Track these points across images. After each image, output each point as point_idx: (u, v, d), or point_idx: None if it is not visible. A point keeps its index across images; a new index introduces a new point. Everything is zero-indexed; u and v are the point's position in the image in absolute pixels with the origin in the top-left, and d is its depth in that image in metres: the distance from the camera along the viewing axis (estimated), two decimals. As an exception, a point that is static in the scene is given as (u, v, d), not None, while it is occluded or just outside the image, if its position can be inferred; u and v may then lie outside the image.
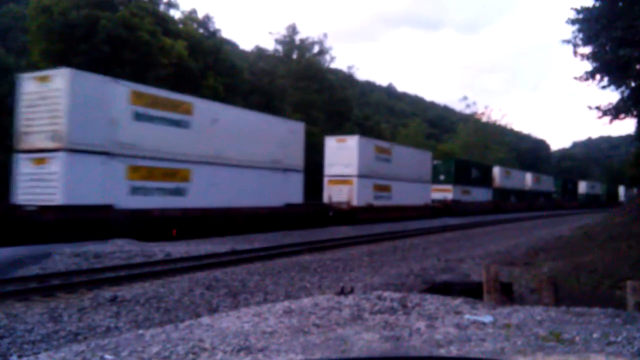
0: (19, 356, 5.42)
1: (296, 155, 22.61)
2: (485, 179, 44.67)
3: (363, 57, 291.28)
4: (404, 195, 30.63)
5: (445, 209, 36.68)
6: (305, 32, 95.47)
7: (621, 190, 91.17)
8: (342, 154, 26.62)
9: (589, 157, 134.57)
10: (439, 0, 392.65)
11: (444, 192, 38.35)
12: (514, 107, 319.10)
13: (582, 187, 77.28)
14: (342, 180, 26.38)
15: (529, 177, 57.67)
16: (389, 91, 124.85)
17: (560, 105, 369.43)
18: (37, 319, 6.61)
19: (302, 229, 21.03)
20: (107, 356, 4.03)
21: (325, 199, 26.31)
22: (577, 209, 63.63)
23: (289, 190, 22.03)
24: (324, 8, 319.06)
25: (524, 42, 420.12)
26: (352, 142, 26.82)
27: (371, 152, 27.79)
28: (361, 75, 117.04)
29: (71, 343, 5.71)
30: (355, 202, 26.03)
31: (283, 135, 21.83)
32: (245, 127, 19.62)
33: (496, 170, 48.43)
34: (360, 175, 26.53)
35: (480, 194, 42.84)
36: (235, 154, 18.96)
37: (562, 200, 66.24)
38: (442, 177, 38.78)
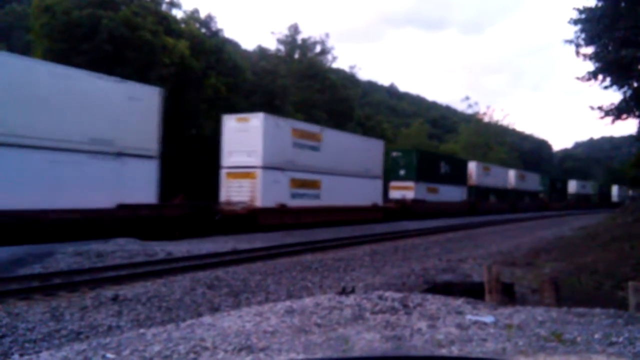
0: (21, 355, 5.43)
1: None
2: (458, 176, 38.98)
3: (365, 57, 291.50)
4: (341, 193, 24.40)
5: (402, 211, 30.43)
6: (308, 32, 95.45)
7: (614, 190, 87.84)
8: (244, 138, 20.21)
9: (591, 157, 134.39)
10: (442, 0, 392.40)
11: (405, 190, 32.38)
12: (516, 107, 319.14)
13: (572, 186, 72.73)
14: (243, 173, 20.09)
15: (512, 175, 52.34)
16: (391, 91, 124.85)
17: (562, 105, 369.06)
18: (39, 318, 6.63)
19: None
20: (108, 355, 4.04)
21: (223, 198, 20.35)
22: (566, 209, 59.48)
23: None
24: (327, 8, 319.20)
25: (527, 42, 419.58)
26: (256, 122, 20.17)
27: (286, 137, 21.33)
28: (363, 75, 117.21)
29: (73, 342, 5.72)
30: (259, 202, 19.75)
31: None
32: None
33: (472, 166, 42.95)
34: (268, 167, 20.08)
35: (451, 193, 37.24)
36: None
37: (549, 200, 61.73)
38: (402, 172, 32.76)
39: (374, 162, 27.92)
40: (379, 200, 28.23)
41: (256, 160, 19.91)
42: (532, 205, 55.22)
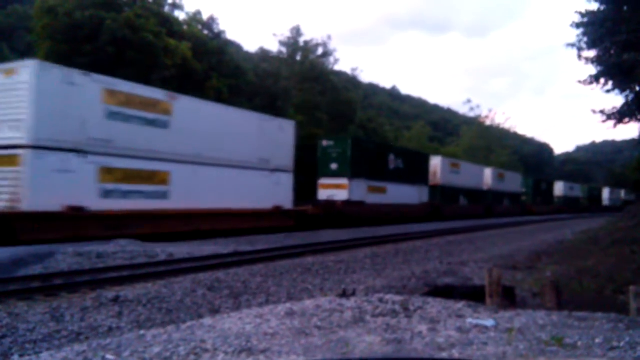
0: (21, 355, 5.43)
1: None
2: (416, 173, 32.30)
3: (368, 59, 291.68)
4: (211, 191, 17.68)
5: (328, 216, 24.14)
6: (310, 34, 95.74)
7: (605, 193, 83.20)
8: (5, 100, 13.02)
9: (593, 161, 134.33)
10: (448, 3, 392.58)
11: (336, 189, 25.48)
12: (518, 110, 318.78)
13: (559, 188, 66.03)
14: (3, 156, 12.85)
15: (489, 174, 45.75)
16: (393, 94, 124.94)
17: (564, 109, 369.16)
18: (39, 319, 6.63)
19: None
20: (108, 356, 4.04)
21: None
22: (552, 214, 54.26)
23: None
24: (331, 10, 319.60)
25: (530, 46, 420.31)
26: (25, 76, 12.86)
27: (91, 101, 14.03)
28: (365, 77, 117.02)
29: (73, 343, 5.72)
30: (24, 203, 12.50)
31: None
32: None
33: (437, 162, 36.30)
34: (46, 146, 12.95)
35: (405, 194, 30.42)
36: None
37: (533, 203, 55.78)
38: (333, 167, 25.94)
39: (277, 150, 20.77)
40: (287, 202, 21.21)
41: (22, 135, 12.67)
42: (513, 209, 49.46)
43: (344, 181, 25.78)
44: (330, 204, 25.05)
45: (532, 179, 58.81)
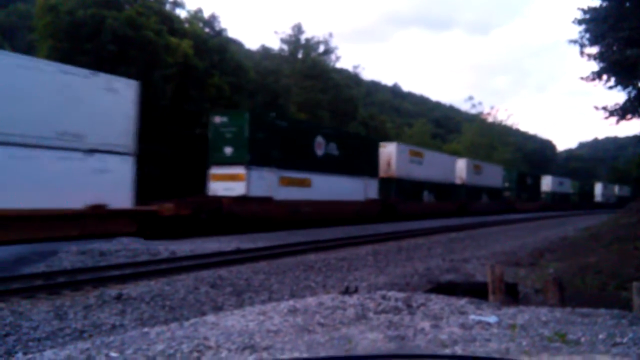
0: (25, 353, 5.44)
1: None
2: (361, 162, 26.35)
3: (370, 57, 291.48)
4: None
5: (209, 218, 17.96)
6: (311, 32, 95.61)
7: (598, 188, 77.92)
8: None
9: (596, 157, 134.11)
10: (450, 0, 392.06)
11: (232, 181, 19.39)
12: (521, 107, 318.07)
13: (547, 183, 60.51)
14: None
15: (462, 166, 39.77)
16: (395, 91, 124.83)
17: (567, 105, 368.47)
18: (43, 317, 6.64)
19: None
20: (112, 354, 4.04)
21: None
22: (537, 211, 48.82)
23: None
24: (333, 8, 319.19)
25: (533, 42, 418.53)
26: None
27: None
28: (367, 74, 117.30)
29: (76, 340, 5.74)
30: None
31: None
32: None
33: (390, 150, 30.00)
34: None
35: (344, 188, 24.56)
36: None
37: (517, 199, 50.34)
38: (228, 151, 19.68)
39: (100, 122, 14.25)
40: (120, 198, 14.68)
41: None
42: (493, 207, 43.61)
43: (239, 170, 19.34)
44: (210, 201, 18.76)
45: (515, 172, 53.43)
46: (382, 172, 29.14)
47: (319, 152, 23.54)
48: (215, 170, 20.02)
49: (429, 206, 33.95)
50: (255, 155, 19.75)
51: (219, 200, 18.64)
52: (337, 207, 24.13)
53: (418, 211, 31.82)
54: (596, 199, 75.88)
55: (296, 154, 22.10)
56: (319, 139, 23.60)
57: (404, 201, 30.38)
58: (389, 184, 29.66)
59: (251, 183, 19.53)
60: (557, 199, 61.69)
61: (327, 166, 23.78)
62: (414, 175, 32.03)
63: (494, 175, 46.06)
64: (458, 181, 39.20)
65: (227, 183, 19.51)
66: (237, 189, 19.30)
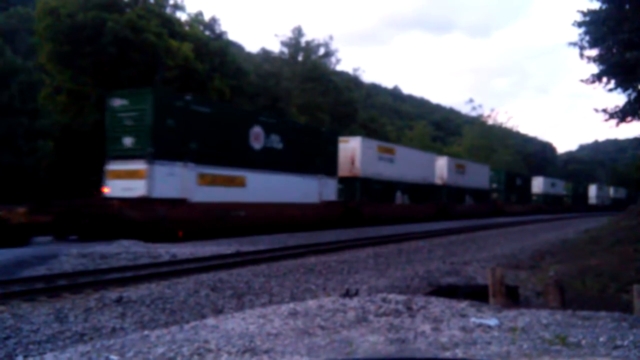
0: (25, 356, 5.44)
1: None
2: (315, 158, 22.71)
3: (370, 59, 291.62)
4: None
5: (84, 226, 15.17)
6: (311, 35, 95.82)
7: (592, 190, 74.90)
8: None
9: (596, 160, 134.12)
10: (451, 3, 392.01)
11: (131, 180, 15.89)
12: (521, 110, 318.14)
13: (538, 184, 57.16)
14: None
15: (443, 164, 36.57)
16: (395, 93, 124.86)
17: (567, 108, 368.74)
18: (43, 320, 6.64)
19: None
20: (112, 357, 4.04)
21: None
22: (528, 214, 46.58)
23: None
24: (334, 11, 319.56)
25: (534, 44, 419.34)
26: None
27: None
28: (367, 77, 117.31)
29: (77, 343, 5.73)
30: None
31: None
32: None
33: (355, 145, 26.42)
34: None
35: (292, 189, 21.05)
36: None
37: (506, 202, 47.19)
38: (127, 142, 16.21)
39: None
40: None
41: None
42: (478, 209, 40.47)
43: (139, 165, 15.74)
44: (93, 204, 15.85)
45: (503, 172, 49.66)
46: (345, 171, 25.70)
47: (256, 144, 19.65)
48: (112, 166, 16.37)
49: (403, 209, 30.67)
50: (161, 147, 15.95)
51: (106, 203, 15.41)
52: (281, 210, 20.36)
53: (389, 215, 28.53)
54: (590, 201, 73.54)
55: (224, 146, 18.14)
56: (256, 130, 19.66)
57: (371, 203, 26.84)
58: (352, 184, 26.22)
59: (155, 181, 15.73)
60: (549, 201, 58.68)
61: (268, 162, 19.97)
62: (384, 175, 28.48)
63: (479, 176, 42.52)
64: (438, 181, 35.82)
65: (126, 181, 15.97)
66: (136, 188, 15.62)
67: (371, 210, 26.72)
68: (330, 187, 23.88)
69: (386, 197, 29.21)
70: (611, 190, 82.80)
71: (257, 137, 19.73)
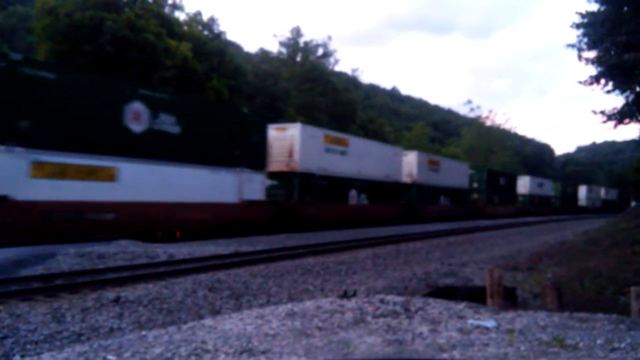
0: (22, 356, 5.43)
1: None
2: (229, 146, 18.09)
3: (369, 60, 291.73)
4: None
5: None
6: (310, 35, 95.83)
7: (582, 191, 71.75)
8: None
9: (593, 162, 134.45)
10: (451, 5, 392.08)
11: None
12: (520, 111, 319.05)
13: (524, 184, 53.90)
14: None
15: (412, 161, 32.51)
16: (393, 94, 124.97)
17: (565, 109, 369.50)
18: (41, 319, 6.63)
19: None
20: (109, 357, 4.04)
21: None
22: (512, 217, 44.23)
23: None
24: (335, 11, 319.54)
25: (533, 46, 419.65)
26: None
27: None
28: (366, 78, 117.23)
29: (74, 343, 5.73)
30: None
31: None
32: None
33: (294, 132, 22.22)
34: None
35: (194, 184, 16.39)
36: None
37: (487, 203, 43.34)
38: None
39: None
40: None
41: None
42: (455, 211, 37.31)
43: None
44: None
45: (485, 170, 45.50)
46: (281, 165, 21.83)
47: (136, 126, 14.90)
48: None
49: (358, 210, 26.29)
50: None
51: None
52: (177, 212, 15.93)
53: (339, 217, 24.52)
54: (580, 203, 70.53)
55: (80, 126, 13.59)
56: (136, 106, 14.87)
57: (313, 204, 22.67)
58: (289, 181, 22.00)
59: None
60: (536, 202, 55.21)
61: (156, 150, 15.35)
62: (333, 170, 24.14)
63: (457, 174, 38.54)
64: (407, 179, 31.72)
65: None
66: None
67: (313, 212, 22.42)
68: (255, 184, 18.99)
69: (337, 197, 24.73)
70: (602, 192, 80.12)
71: (137, 117, 14.96)
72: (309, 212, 22.35)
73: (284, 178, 21.91)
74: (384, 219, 27.72)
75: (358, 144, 26.96)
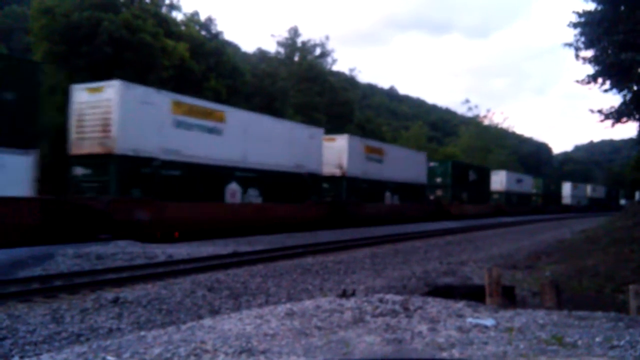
0: (21, 357, 5.42)
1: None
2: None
3: (367, 60, 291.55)
4: None
5: None
6: (308, 35, 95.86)
7: (566, 188, 66.58)
8: None
9: (591, 160, 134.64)
10: (450, 4, 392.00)
11: None
12: (519, 110, 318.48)
13: (500, 180, 47.85)
14: None
15: (342, 147, 25.67)
16: (391, 94, 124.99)
17: (563, 108, 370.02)
18: (40, 320, 6.62)
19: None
20: (109, 357, 4.03)
21: None
22: (486, 217, 39.21)
23: None
24: (333, 11, 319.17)
25: (533, 45, 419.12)
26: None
27: None
28: (363, 77, 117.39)
29: (73, 344, 5.72)
30: None
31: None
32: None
33: (111, 95, 15.23)
34: None
35: None
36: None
37: (453, 201, 37.15)
38: None
39: None
40: None
41: None
42: (406, 211, 30.74)
43: None
44: None
45: (450, 163, 39.65)
46: (99, 145, 15.34)
47: None
48: None
49: (240, 211, 19.54)
50: None
51: None
52: None
53: (208, 219, 17.99)
54: (564, 201, 65.60)
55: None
56: None
57: (149, 203, 15.90)
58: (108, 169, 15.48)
59: None
60: (513, 200, 49.66)
61: None
62: (201, 154, 17.72)
63: (409, 166, 31.99)
64: (335, 171, 25.36)
65: None
66: None
67: (155, 213, 15.86)
68: (14, 172, 12.43)
69: (208, 193, 18.36)
70: (588, 189, 75.47)
71: None
72: (136, 211, 15.57)
73: (104, 164, 15.54)
74: (296, 220, 21.32)
75: (247, 120, 20.08)
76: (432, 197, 36.98)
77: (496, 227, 28.72)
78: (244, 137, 19.64)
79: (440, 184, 37.75)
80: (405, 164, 31.36)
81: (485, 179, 44.45)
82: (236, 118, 19.54)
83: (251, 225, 19.67)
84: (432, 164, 37.95)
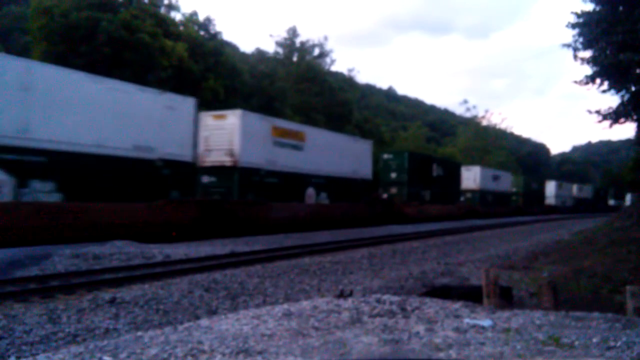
0: (18, 357, 5.40)
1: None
2: None
3: (366, 60, 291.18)
4: None
5: None
6: (307, 35, 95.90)
7: (550, 188, 61.87)
8: None
9: (589, 161, 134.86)
10: (450, 5, 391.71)
11: None
12: (518, 111, 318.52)
13: (473, 177, 42.11)
14: None
15: (234, 126, 19.56)
16: (389, 94, 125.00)
17: (561, 109, 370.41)
18: (36, 320, 6.60)
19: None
20: (105, 358, 4.02)
21: None
22: (452, 219, 32.30)
23: None
24: (333, 12, 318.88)
25: (532, 45, 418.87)
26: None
27: None
28: (362, 78, 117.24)
29: (70, 344, 5.70)
30: None
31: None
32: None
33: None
34: None
35: None
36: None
37: (407, 201, 30.76)
38: None
39: None
40: None
41: None
42: (340, 213, 24.66)
43: None
44: None
45: (407, 155, 32.73)
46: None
47: None
48: None
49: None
50: None
51: None
52: None
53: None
54: (548, 201, 60.56)
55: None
56: None
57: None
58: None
59: None
60: (488, 200, 43.63)
61: None
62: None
63: (345, 156, 26.12)
64: (225, 160, 19.60)
65: None
66: None
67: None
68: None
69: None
70: (574, 189, 71.00)
71: None
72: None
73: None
74: (142, 230, 15.38)
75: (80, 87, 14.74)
76: (384, 196, 31.04)
77: (494, 227, 28.74)
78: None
79: (394, 180, 31.58)
80: (339, 154, 25.65)
81: (454, 175, 38.18)
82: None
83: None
84: (385, 155, 32.61)
